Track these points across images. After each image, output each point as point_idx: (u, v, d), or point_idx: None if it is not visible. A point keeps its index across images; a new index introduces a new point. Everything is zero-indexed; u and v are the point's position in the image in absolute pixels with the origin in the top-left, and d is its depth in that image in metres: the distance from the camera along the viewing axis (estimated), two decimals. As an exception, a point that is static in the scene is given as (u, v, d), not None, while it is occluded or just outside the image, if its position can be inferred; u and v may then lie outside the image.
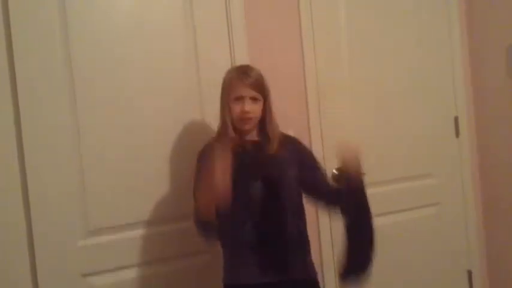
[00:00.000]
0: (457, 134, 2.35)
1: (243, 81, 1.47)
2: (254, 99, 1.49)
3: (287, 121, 1.54)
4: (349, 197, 1.48)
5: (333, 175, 1.98)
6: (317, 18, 2.04)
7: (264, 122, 1.54)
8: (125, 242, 1.68)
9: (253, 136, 1.54)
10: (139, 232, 1.71)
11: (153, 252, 1.72)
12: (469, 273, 2.36)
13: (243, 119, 1.48)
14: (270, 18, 1.97)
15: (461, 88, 2.35)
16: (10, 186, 1.54)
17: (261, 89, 1.50)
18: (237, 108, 1.47)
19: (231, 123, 1.50)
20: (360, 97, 2.12)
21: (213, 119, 1.74)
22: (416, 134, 2.24)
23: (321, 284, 1.57)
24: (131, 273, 1.69)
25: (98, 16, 1.66)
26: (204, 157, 1.54)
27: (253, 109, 1.49)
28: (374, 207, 2.10)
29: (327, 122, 2.05)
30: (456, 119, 2.34)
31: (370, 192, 2.10)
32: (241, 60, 1.82)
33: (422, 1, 2.26)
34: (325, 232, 2.04)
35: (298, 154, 1.57)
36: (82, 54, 1.63)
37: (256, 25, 1.92)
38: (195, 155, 1.69)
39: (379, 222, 2.12)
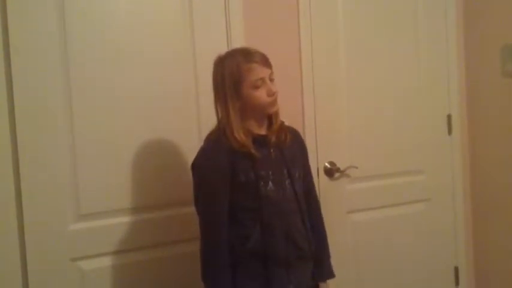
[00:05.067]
0: (450, 131, 2.36)
1: (257, 61, 1.31)
2: (271, 79, 1.34)
3: (282, 115, 1.49)
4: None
5: None
6: (315, 15, 2.04)
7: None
8: (116, 227, 1.69)
9: (259, 128, 1.39)
10: (131, 218, 1.71)
11: (144, 238, 1.73)
12: (456, 269, 2.39)
13: (272, 102, 1.33)
14: (268, 13, 1.95)
15: (455, 87, 2.37)
16: (1, 169, 1.53)
17: (271, 66, 1.36)
18: (260, 93, 1.31)
19: (244, 113, 1.34)
20: (355, 94, 2.12)
21: (207, 111, 1.72)
22: (410, 130, 2.25)
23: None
24: (121, 259, 1.69)
25: (95, 9, 1.65)
26: (205, 174, 1.36)
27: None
28: (364, 201, 2.17)
29: (321, 119, 2.05)
30: (449, 117, 2.36)
31: (362, 186, 2.18)
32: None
33: (418, 1, 2.27)
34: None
35: (303, 153, 1.53)
36: (78, 38, 1.62)
37: (255, 23, 1.91)
38: (187, 143, 1.71)
39: (368, 216, 2.20)
